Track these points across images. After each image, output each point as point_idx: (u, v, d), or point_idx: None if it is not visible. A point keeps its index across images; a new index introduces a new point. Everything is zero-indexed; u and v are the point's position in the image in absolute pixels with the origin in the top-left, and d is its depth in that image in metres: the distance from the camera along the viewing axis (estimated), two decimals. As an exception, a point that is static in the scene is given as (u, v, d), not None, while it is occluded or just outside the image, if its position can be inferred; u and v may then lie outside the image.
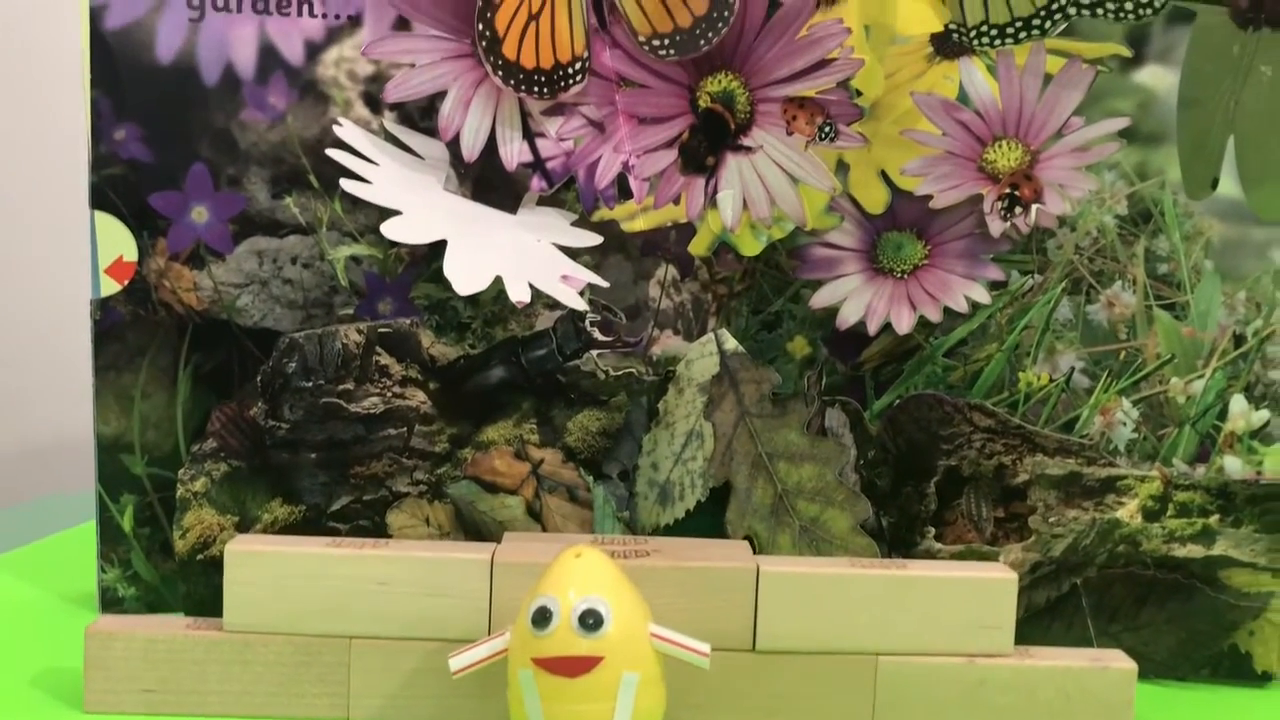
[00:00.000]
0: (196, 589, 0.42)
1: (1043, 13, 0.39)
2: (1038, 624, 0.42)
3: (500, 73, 0.39)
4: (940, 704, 0.35)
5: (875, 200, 0.42)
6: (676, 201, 0.42)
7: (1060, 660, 0.36)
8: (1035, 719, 0.35)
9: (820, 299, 0.43)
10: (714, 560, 0.36)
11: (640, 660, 0.31)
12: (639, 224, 0.43)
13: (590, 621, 0.30)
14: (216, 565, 0.39)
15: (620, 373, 0.43)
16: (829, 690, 0.35)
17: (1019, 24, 0.39)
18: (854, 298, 0.43)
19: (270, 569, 0.35)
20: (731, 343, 0.43)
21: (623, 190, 0.42)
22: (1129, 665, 0.36)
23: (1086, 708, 0.35)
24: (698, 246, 0.43)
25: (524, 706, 0.30)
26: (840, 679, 0.35)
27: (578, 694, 0.30)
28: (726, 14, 0.39)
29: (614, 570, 0.31)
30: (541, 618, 0.30)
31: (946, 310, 0.42)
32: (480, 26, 0.38)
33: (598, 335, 0.43)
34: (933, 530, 0.43)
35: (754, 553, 0.39)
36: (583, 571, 0.31)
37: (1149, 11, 0.38)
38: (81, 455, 0.48)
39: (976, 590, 0.35)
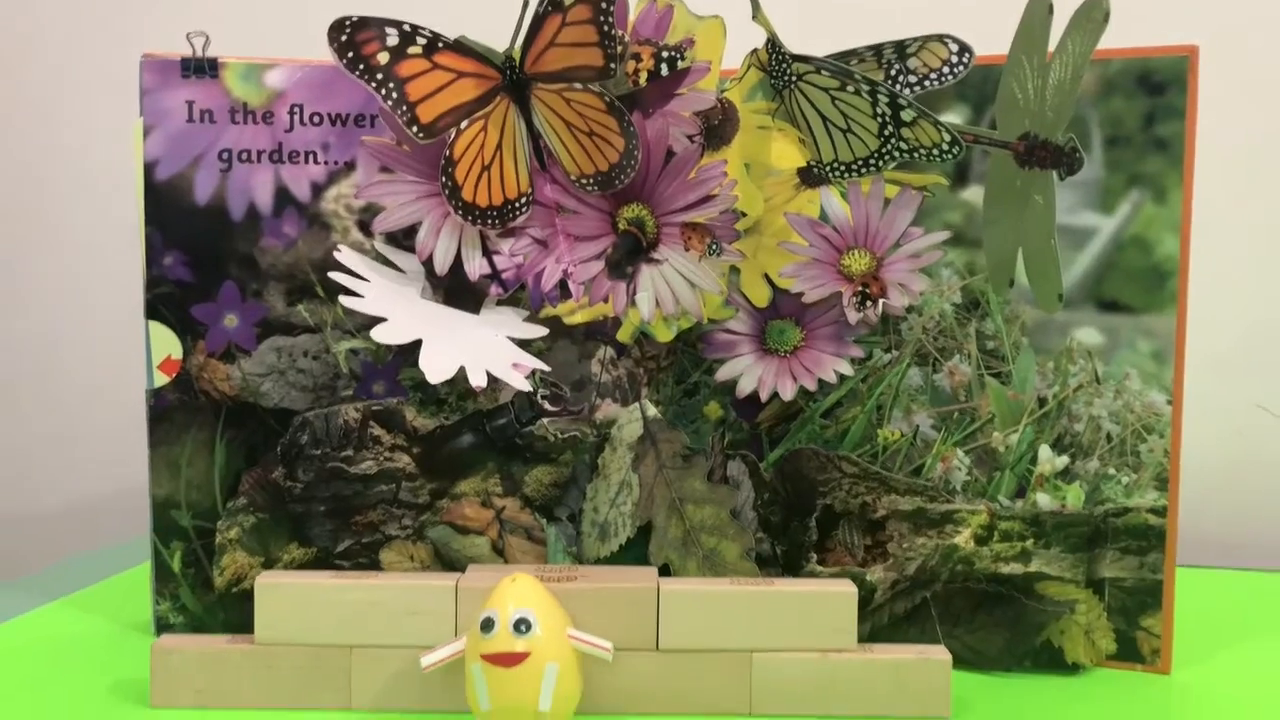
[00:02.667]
0: (232, 616, 0.53)
1: (877, 154, 0.50)
2: (898, 629, 0.52)
3: (461, 212, 0.50)
4: (801, 690, 0.46)
5: (761, 296, 0.53)
6: (606, 300, 0.53)
7: (893, 654, 0.46)
8: (875, 701, 0.46)
9: (723, 373, 0.54)
10: (624, 582, 0.47)
11: (560, 655, 0.41)
12: (578, 318, 0.54)
13: (522, 627, 0.41)
14: (248, 596, 0.50)
15: (567, 435, 0.54)
16: (716, 679, 0.46)
17: (860, 162, 0.51)
18: (749, 372, 0.54)
19: (290, 596, 0.46)
20: (652, 410, 0.54)
21: (564, 291, 0.53)
22: (945, 657, 0.46)
23: (914, 691, 0.46)
24: (623, 335, 0.54)
25: (475, 691, 0.41)
26: (724, 671, 0.46)
27: (513, 680, 0.41)
28: (634, 161, 0.50)
29: (541, 590, 0.42)
30: (487, 625, 0.41)
31: (820, 381, 0.53)
32: (444, 178, 0.49)
33: (548, 406, 0.54)
34: (815, 556, 0.53)
35: (670, 576, 0.50)
36: (517, 591, 0.42)
37: (951, 155, 0.49)
38: (132, 512, 0.59)
39: (825, 601, 0.46)
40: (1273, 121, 0.76)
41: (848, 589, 0.46)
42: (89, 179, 0.87)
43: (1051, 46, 0.48)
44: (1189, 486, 0.73)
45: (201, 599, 0.53)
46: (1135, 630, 0.51)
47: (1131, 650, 0.51)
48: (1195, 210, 0.50)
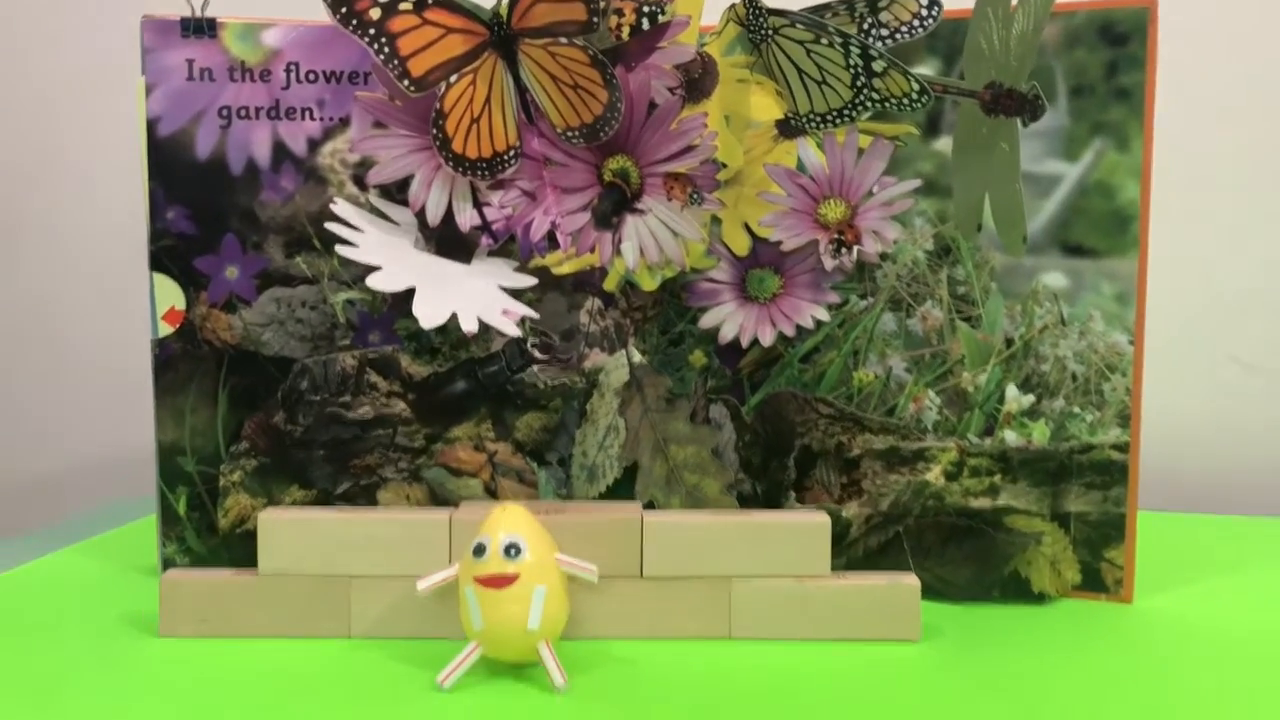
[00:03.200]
0: (236, 556, 0.55)
1: (851, 104, 0.52)
2: (872, 562, 0.54)
3: (451, 163, 0.52)
4: (777, 613, 0.48)
5: (741, 245, 0.55)
6: (593, 250, 0.55)
7: (865, 580, 0.49)
8: (848, 624, 0.48)
9: (706, 321, 0.56)
10: (610, 514, 0.49)
11: (548, 578, 0.44)
12: (566, 268, 0.56)
13: (512, 551, 0.43)
14: (250, 536, 0.52)
15: (556, 383, 0.57)
16: (697, 605, 0.48)
17: (835, 112, 0.53)
18: (730, 319, 0.56)
19: (292, 530, 0.49)
20: (638, 356, 0.56)
21: (551, 243, 0.55)
22: (914, 583, 0.49)
23: (886, 614, 0.48)
24: (609, 284, 0.56)
25: (468, 612, 0.44)
26: (705, 596, 0.48)
27: (504, 600, 0.43)
28: (617, 113, 0.52)
29: (530, 518, 0.45)
30: (479, 550, 0.44)
31: (799, 327, 0.55)
32: (434, 130, 0.52)
33: (538, 354, 0.57)
34: (794, 494, 0.56)
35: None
36: (507, 518, 0.44)
37: (921, 104, 0.51)
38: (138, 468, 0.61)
39: (800, 530, 0.48)
40: (1231, 70, 0.78)
41: (821, 519, 0.49)
42: (91, 140, 0.89)
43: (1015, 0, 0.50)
44: (1166, 435, 0.76)
45: (206, 541, 0.56)
46: (1099, 561, 0.54)
47: (1096, 580, 0.54)
48: (1155, 156, 0.52)
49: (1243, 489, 0.79)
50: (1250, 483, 0.79)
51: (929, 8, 0.51)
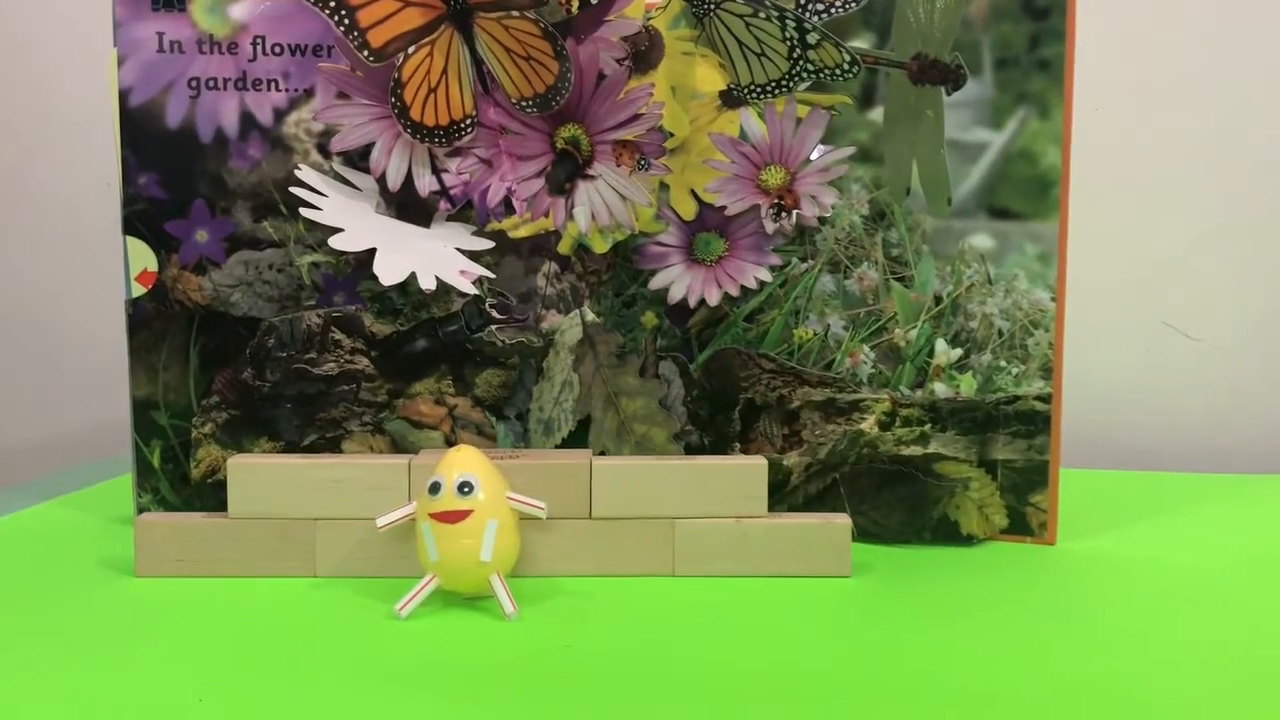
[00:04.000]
0: (208, 505, 0.57)
1: (788, 75, 0.55)
2: (812, 507, 0.58)
3: (409, 131, 0.55)
4: (718, 551, 0.51)
5: (688, 210, 0.58)
6: (547, 215, 0.58)
7: (799, 520, 0.52)
8: (784, 561, 0.52)
9: (655, 283, 0.59)
10: (561, 459, 0.52)
11: (500, 514, 0.47)
12: (521, 232, 0.59)
13: (465, 489, 0.46)
14: (221, 486, 0.55)
15: (514, 341, 0.60)
16: (643, 544, 0.51)
17: (774, 83, 0.56)
18: (678, 281, 0.59)
19: (260, 475, 0.51)
20: (590, 316, 0.59)
21: (508, 208, 0.58)
22: (846, 521, 0.52)
23: (819, 551, 0.52)
24: (563, 247, 0.59)
25: (425, 546, 0.47)
26: (650, 536, 0.51)
27: (458, 534, 0.46)
28: (568, 83, 0.55)
29: (483, 459, 0.48)
30: (434, 488, 0.47)
31: (743, 288, 0.58)
32: (393, 99, 0.54)
33: (495, 315, 0.59)
34: (739, 445, 0.59)
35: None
36: (461, 459, 0.47)
37: (852, 74, 0.54)
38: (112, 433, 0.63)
39: (738, 472, 0.52)
40: (1148, 42, 0.81)
41: (758, 461, 0.52)
42: (64, 108, 0.92)
43: (939, -26, 0.53)
44: (1099, 397, 0.79)
45: (179, 491, 0.58)
46: (1024, 506, 0.57)
47: (1021, 524, 0.57)
48: (1077, 127, 0.55)
49: (1175, 450, 0.83)
50: (1181, 443, 0.83)
51: (861, -17, 0.54)
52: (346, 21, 0.53)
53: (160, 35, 0.56)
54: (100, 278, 0.88)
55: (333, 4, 0.52)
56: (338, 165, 0.57)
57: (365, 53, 0.53)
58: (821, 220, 0.57)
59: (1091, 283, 0.73)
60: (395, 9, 0.53)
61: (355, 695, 0.39)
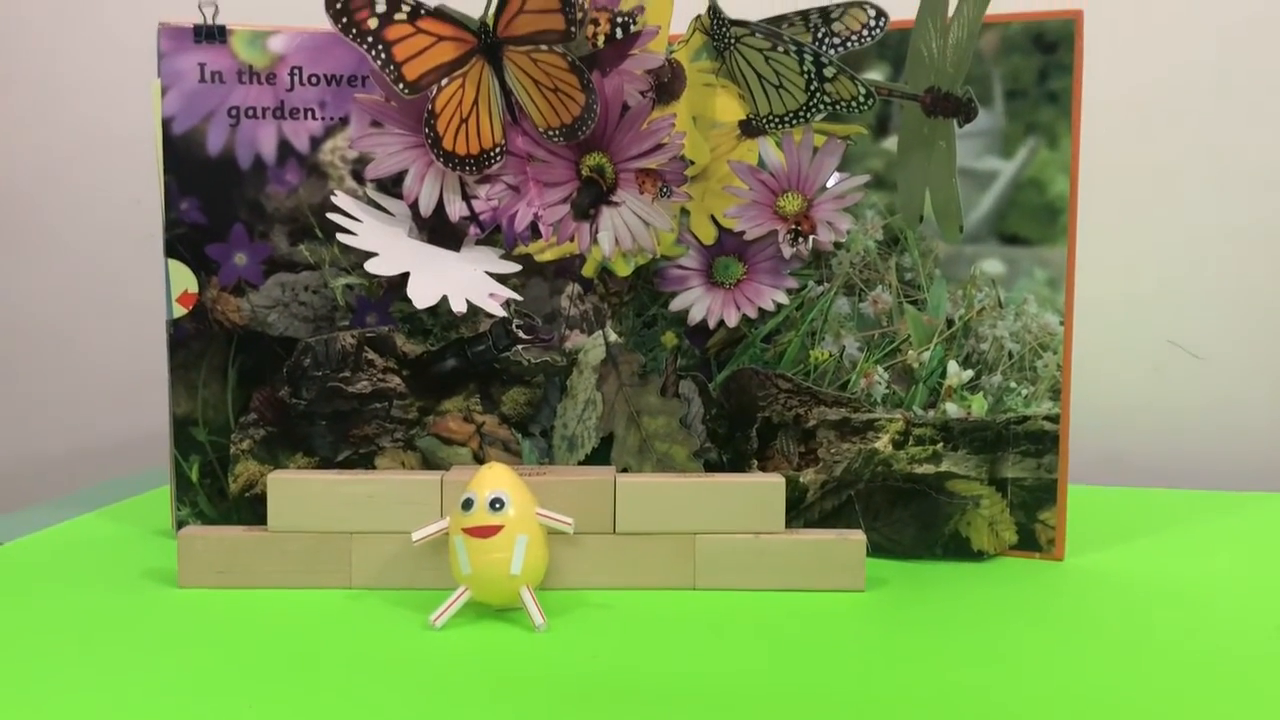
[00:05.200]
0: (245, 518, 0.60)
1: (805, 106, 0.57)
2: (827, 523, 0.60)
3: (442, 160, 0.57)
4: (737, 565, 0.53)
5: (708, 235, 0.60)
6: (572, 239, 0.60)
7: (815, 536, 0.54)
8: (801, 575, 0.53)
9: (676, 304, 0.61)
10: (586, 475, 0.54)
11: (529, 529, 0.49)
12: (548, 255, 0.61)
13: (497, 505, 0.48)
14: (257, 500, 0.58)
15: (539, 361, 0.62)
16: (665, 558, 0.53)
17: (791, 114, 0.58)
18: (698, 303, 0.61)
19: (299, 490, 0.54)
20: (614, 336, 0.61)
21: (534, 232, 0.60)
22: (860, 537, 0.54)
23: (834, 566, 0.53)
24: (587, 270, 0.61)
25: (458, 559, 0.49)
26: (672, 550, 0.53)
27: (489, 549, 0.48)
28: (593, 114, 0.57)
29: (514, 476, 0.50)
30: (467, 504, 0.49)
31: (761, 310, 0.60)
32: (427, 130, 0.57)
33: (522, 335, 0.62)
34: (756, 463, 0.61)
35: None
36: (493, 476, 0.49)
37: (867, 107, 0.56)
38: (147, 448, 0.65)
39: (757, 490, 0.54)
40: (1150, 74, 0.83)
41: (775, 479, 0.54)
42: (97, 128, 0.94)
43: (951, 10, 0.55)
44: (1106, 416, 0.81)
45: (217, 505, 0.61)
46: (1034, 523, 0.59)
47: (1030, 540, 0.59)
48: (1084, 155, 0.57)
49: (1181, 467, 0.84)
50: (1187, 460, 0.85)
51: (877, 19, 0.56)
52: (384, 56, 0.55)
53: (202, 66, 0.59)
54: (131, 293, 0.91)
55: (370, 39, 0.55)
56: (371, 191, 0.60)
57: (401, 85, 0.55)
58: (837, 245, 0.59)
59: (1097, 303, 0.75)
60: (429, 43, 0.55)
61: (393, 703, 0.41)
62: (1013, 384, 0.59)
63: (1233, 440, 0.85)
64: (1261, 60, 0.82)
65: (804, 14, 0.57)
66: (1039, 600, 0.53)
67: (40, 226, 0.97)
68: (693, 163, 0.59)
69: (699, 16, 0.58)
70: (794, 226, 0.59)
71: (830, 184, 0.59)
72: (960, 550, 0.59)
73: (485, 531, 0.48)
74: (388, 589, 0.53)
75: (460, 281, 0.59)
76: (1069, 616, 0.51)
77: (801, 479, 0.60)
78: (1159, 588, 0.55)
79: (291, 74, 0.59)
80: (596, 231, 0.60)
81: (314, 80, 0.59)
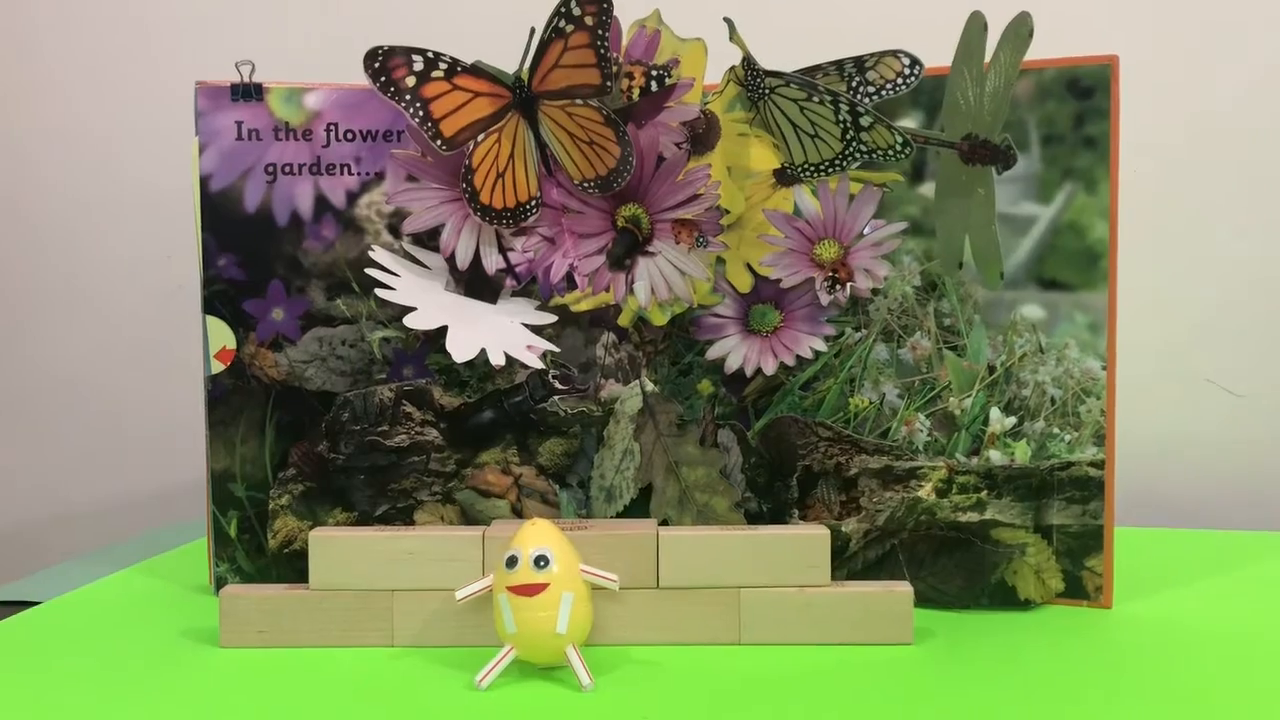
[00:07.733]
0: (284, 575, 0.60)
1: (841, 155, 0.57)
2: (870, 574, 0.59)
3: (479, 214, 0.57)
4: (782, 620, 0.53)
5: (744, 283, 0.60)
6: (607, 289, 0.60)
7: (862, 589, 0.53)
8: (847, 628, 0.53)
9: (712, 353, 0.61)
10: (629, 530, 0.54)
11: (574, 586, 0.48)
12: (583, 306, 0.61)
13: (541, 563, 0.48)
14: (297, 556, 0.57)
15: (575, 411, 0.61)
16: (709, 612, 0.53)
17: (827, 163, 0.58)
18: (735, 351, 0.61)
19: (340, 547, 0.53)
20: (650, 385, 0.61)
21: (570, 283, 0.60)
22: (907, 589, 0.53)
23: (881, 619, 0.53)
24: (623, 320, 0.61)
25: (502, 618, 0.48)
26: (716, 605, 0.53)
27: (534, 607, 0.48)
28: (629, 166, 0.57)
29: (557, 532, 0.50)
30: (511, 562, 0.48)
31: (798, 357, 0.60)
32: (464, 184, 0.57)
33: (558, 385, 0.61)
34: (797, 512, 0.60)
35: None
36: (536, 532, 0.49)
37: (904, 155, 0.56)
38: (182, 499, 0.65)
39: (801, 542, 0.53)
40: (1186, 117, 0.83)
41: (820, 532, 0.53)
42: (133, 185, 0.95)
43: (987, 59, 0.55)
44: (1145, 455, 0.80)
45: (255, 561, 0.60)
46: (1080, 570, 0.58)
47: (1077, 588, 0.58)
48: (1121, 198, 0.57)
49: (1221, 505, 0.83)
50: (1226, 499, 0.83)
51: (911, 67, 0.56)
52: (421, 113, 0.55)
53: (239, 124, 0.59)
54: (163, 347, 0.91)
55: (407, 97, 0.55)
56: (407, 245, 0.60)
57: (439, 142, 0.56)
58: (874, 291, 0.59)
59: (1136, 343, 0.74)
60: (466, 100, 0.56)
61: (446, 768, 0.40)
62: (1056, 429, 0.58)
63: (1275, 476, 0.84)
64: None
65: (838, 63, 0.57)
66: (1091, 651, 0.52)
67: (73, 281, 0.97)
68: (728, 212, 0.59)
69: (733, 67, 0.58)
70: (831, 274, 0.59)
71: (867, 231, 0.58)
72: (1007, 599, 0.58)
73: (530, 590, 0.47)
74: (430, 647, 0.53)
75: (498, 334, 0.59)
76: (1121, 667, 0.50)
77: (844, 528, 0.59)
78: (1210, 635, 0.54)
79: (327, 130, 0.59)
80: (633, 281, 0.60)
81: (349, 136, 0.59)
